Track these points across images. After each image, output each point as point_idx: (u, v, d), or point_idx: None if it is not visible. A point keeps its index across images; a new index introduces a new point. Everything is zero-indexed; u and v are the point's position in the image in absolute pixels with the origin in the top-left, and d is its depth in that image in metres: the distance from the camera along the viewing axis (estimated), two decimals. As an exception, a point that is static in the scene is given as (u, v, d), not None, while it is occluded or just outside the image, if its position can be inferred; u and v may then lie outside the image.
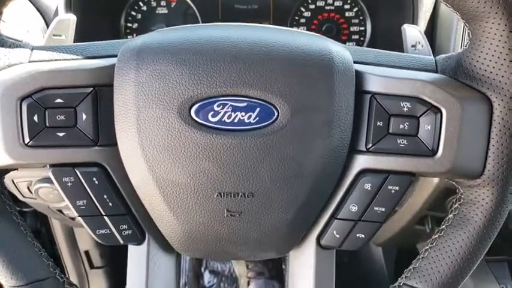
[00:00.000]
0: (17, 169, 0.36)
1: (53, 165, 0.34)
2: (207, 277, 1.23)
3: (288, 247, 0.37)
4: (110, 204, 0.35)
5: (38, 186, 0.64)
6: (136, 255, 0.38)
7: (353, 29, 0.72)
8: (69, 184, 0.34)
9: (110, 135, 0.34)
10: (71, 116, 0.33)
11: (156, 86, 0.32)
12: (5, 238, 0.36)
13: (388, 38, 0.68)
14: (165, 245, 0.38)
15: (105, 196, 0.35)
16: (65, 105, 0.33)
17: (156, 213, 0.35)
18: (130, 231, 0.36)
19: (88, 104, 0.33)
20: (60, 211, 0.77)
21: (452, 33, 0.54)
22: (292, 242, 0.37)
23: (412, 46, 0.41)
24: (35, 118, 0.33)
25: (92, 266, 1.05)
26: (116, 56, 0.34)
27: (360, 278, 0.99)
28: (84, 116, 0.33)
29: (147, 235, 0.37)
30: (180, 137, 0.33)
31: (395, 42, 0.48)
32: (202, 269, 1.21)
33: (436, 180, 0.61)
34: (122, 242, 0.37)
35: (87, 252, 1.05)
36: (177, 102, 0.32)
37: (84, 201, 0.35)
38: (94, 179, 0.35)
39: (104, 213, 0.36)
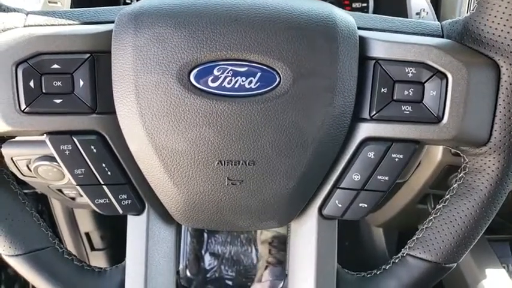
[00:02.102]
0: (13, 137, 0.36)
1: (50, 133, 0.34)
2: (207, 259, 1.24)
3: (289, 217, 0.37)
4: (109, 173, 0.35)
5: (37, 164, 0.63)
6: (135, 225, 0.37)
7: (355, 5, 0.71)
8: (67, 152, 0.34)
9: (108, 102, 0.33)
10: (67, 82, 0.33)
11: (154, 51, 0.32)
12: (3, 207, 0.35)
13: (392, 15, 0.67)
14: (164, 216, 0.37)
15: (103, 165, 0.34)
16: (62, 71, 0.32)
17: (156, 182, 0.35)
18: (129, 201, 0.36)
19: (85, 70, 0.33)
20: (60, 191, 0.76)
21: (457, 2, 0.53)
22: (294, 212, 0.36)
23: (417, 14, 0.40)
24: (31, 84, 0.32)
25: (92, 248, 1.05)
26: (112, 22, 0.33)
27: (361, 261, 0.99)
28: (81, 83, 0.33)
29: (146, 205, 0.37)
30: (179, 103, 0.32)
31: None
32: (203, 252, 1.22)
33: (439, 157, 0.60)
34: (121, 211, 0.36)
35: (87, 234, 1.05)
36: (176, 66, 0.32)
37: (83, 169, 0.34)
38: (92, 147, 0.34)
39: (102, 182, 0.35)
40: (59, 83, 0.33)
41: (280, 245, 1.12)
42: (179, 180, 0.34)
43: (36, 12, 0.35)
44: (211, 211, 0.36)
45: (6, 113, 0.33)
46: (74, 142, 0.34)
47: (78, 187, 0.35)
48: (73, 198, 0.81)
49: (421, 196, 0.65)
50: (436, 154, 0.59)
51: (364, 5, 0.71)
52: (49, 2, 0.39)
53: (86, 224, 1.02)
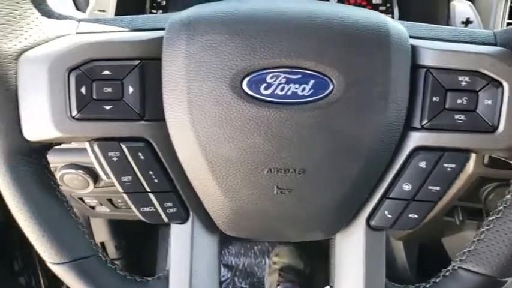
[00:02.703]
0: (59, 144, 0.35)
1: (98, 139, 0.33)
2: (221, 271, 1.23)
3: (336, 228, 0.36)
4: (156, 180, 0.34)
5: (63, 172, 0.63)
6: (179, 234, 0.37)
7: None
8: (115, 159, 0.33)
9: (156, 109, 0.33)
10: (118, 89, 0.32)
11: (207, 58, 0.31)
12: (51, 214, 0.35)
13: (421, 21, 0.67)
14: (208, 224, 0.37)
15: (150, 172, 0.34)
16: (112, 77, 0.32)
17: (203, 189, 0.34)
18: (175, 209, 0.35)
19: (135, 76, 0.32)
20: (81, 199, 0.76)
21: (492, 11, 0.52)
22: (341, 222, 0.36)
23: (462, 23, 0.40)
24: (83, 90, 0.32)
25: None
26: (162, 29, 0.33)
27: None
28: (131, 89, 0.33)
29: (191, 214, 0.36)
30: (231, 110, 0.32)
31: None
32: (217, 263, 1.20)
33: (470, 168, 0.60)
34: (166, 220, 0.36)
35: (102, 244, 1.04)
36: (228, 74, 0.31)
37: (130, 177, 0.34)
38: (140, 154, 0.34)
39: (149, 190, 0.34)
40: (109, 89, 0.32)
41: (289, 274, 1.11)
42: (227, 188, 0.34)
43: (87, 19, 0.35)
44: (258, 220, 0.35)
45: (57, 119, 0.32)
46: (122, 149, 0.33)
47: (124, 195, 0.35)
48: (93, 207, 0.80)
49: (449, 208, 0.64)
50: (468, 165, 0.58)
51: (390, 16, 0.71)
52: (95, 10, 0.39)
53: (101, 233, 1.01)
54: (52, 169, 0.63)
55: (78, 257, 0.35)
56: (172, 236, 0.37)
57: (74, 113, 0.32)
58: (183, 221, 0.36)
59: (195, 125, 0.32)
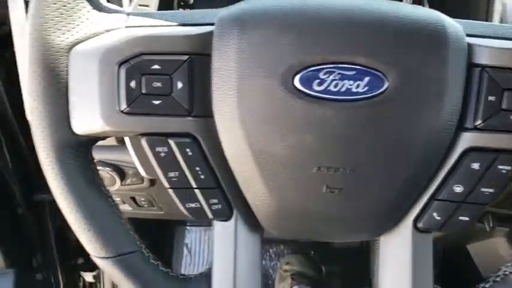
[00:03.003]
0: (104, 138, 0.35)
1: (145, 134, 0.33)
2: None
3: (382, 229, 0.35)
4: (202, 176, 0.34)
5: (90, 168, 0.63)
6: (222, 232, 0.36)
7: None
8: (162, 154, 0.33)
9: (203, 105, 0.33)
10: (167, 84, 0.32)
11: (258, 53, 0.31)
12: (96, 209, 0.34)
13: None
14: (251, 223, 0.36)
15: (197, 168, 0.34)
16: (162, 72, 0.32)
17: (249, 187, 0.34)
18: (220, 206, 0.35)
19: (184, 72, 0.32)
20: (106, 197, 0.76)
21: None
22: (388, 223, 0.35)
23: None
24: (132, 84, 0.32)
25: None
26: (210, 24, 0.33)
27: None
28: (179, 85, 0.32)
29: (234, 211, 0.36)
30: (282, 107, 0.31)
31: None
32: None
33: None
34: (210, 216, 0.35)
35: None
36: (281, 69, 0.31)
37: (176, 172, 0.34)
38: (187, 149, 0.33)
39: (194, 186, 0.34)
40: (159, 84, 0.32)
41: (301, 278, 1.10)
42: (274, 186, 0.33)
43: (136, 13, 0.35)
44: (304, 219, 0.35)
45: (106, 113, 0.32)
46: (170, 145, 0.33)
47: (170, 190, 0.35)
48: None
49: (481, 214, 0.63)
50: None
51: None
52: (139, 5, 0.39)
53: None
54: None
55: (123, 252, 0.35)
56: (216, 234, 0.36)
57: (123, 107, 0.32)
58: (227, 218, 0.36)
59: (244, 121, 0.32)
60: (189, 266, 1.12)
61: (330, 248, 1.09)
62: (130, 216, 0.89)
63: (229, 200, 0.35)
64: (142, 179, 0.64)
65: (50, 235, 1.01)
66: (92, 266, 1.11)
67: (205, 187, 0.34)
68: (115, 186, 0.64)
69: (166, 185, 0.34)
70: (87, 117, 0.33)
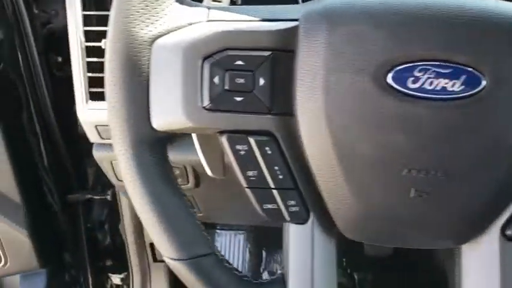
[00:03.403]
0: (184, 135, 0.34)
1: (226, 132, 0.32)
2: (265, 277, 1.21)
3: (468, 236, 0.34)
4: (280, 176, 0.33)
5: (136, 168, 0.62)
6: (299, 236, 0.35)
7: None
8: (242, 153, 0.32)
9: (283, 103, 0.32)
10: (249, 80, 0.31)
11: (350, 49, 0.30)
12: (172, 208, 0.33)
13: None
14: (328, 227, 0.35)
15: (276, 167, 0.33)
16: (245, 68, 0.31)
17: (330, 189, 0.33)
18: (297, 208, 0.34)
19: (266, 68, 0.31)
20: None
21: None
22: (475, 230, 0.33)
23: None
24: (216, 80, 0.31)
25: (155, 259, 1.03)
26: (294, 20, 0.32)
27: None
28: (261, 81, 0.31)
29: (311, 214, 0.35)
30: (373, 104, 0.30)
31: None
32: (261, 269, 1.18)
33: None
34: (288, 219, 0.34)
35: (152, 245, 1.03)
36: (373, 66, 0.29)
37: (255, 171, 0.33)
38: (267, 148, 0.32)
39: (272, 186, 0.33)
40: (242, 81, 0.31)
41: None
42: (359, 188, 0.32)
43: (217, 7, 0.34)
44: (387, 224, 0.33)
45: (189, 109, 0.31)
46: (250, 143, 0.32)
47: (247, 190, 0.34)
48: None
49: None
50: None
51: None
52: (213, 0, 0.38)
53: (152, 234, 1.00)
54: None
55: (197, 255, 0.34)
56: (291, 238, 0.35)
57: (206, 103, 0.31)
58: (304, 221, 0.35)
59: (330, 120, 0.30)
60: (218, 270, 1.11)
61: (361, 255, 1.08)
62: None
63: (306, 202, 0.34)
64: (188, 179, 0.63)
65: (82, 235, 1.00)
66: (120, 269, 1.10)
67: (284, 188, 0.33)
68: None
69: (244, 184, 0.33)
70: (168, 113, 0.32)
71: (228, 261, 0.36)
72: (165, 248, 0.34)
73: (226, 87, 0.31)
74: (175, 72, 0.31)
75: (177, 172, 0.62)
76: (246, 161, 0.33)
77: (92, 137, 0.58)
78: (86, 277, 1.04)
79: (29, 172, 0.82)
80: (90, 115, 0.55)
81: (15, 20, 0.71)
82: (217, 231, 1.14)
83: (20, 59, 0.74)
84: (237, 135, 0.32)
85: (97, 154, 0.61)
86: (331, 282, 0.36)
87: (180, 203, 0.34)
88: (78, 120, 0.57)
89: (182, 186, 0.64)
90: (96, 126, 0.56)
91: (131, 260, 1.01)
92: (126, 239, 0.99)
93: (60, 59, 0.81)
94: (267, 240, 1.14)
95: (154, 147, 0.33)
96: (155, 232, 0.33)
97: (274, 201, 0.34)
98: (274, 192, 0.33)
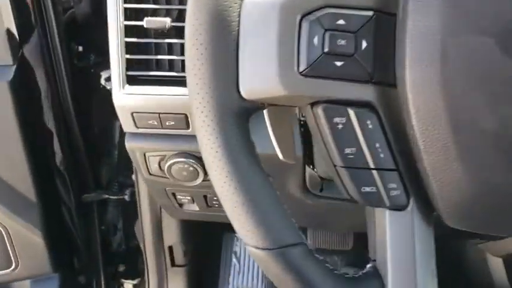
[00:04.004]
0: (273, 105, 0.30)
1: (323, 102, 0.28)
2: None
3: None
4: (381, 155, 0.29)
5: (173, 161, 0.57)
6: (398, 224, 0.31)
7: None
8: (340, 126, 0.29)
9: (385, 71, 0.28)
10: (351, 42, 0.28)
11: (474, 6, 0.26)
12: (258, 190, 0.30)
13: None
14: (426, 214, 0.31)
15: (377, 145, 0.29)
16: (346, 28, 0.28)
17: (438, 169, 0.28)
18: (398, 192, 0.30)
19: (369, 30, 0.28)
20: (174, 195, 0.70)
21: None
22: None
23: None
24: (315, 41, 0.28)
25: (173, 264, 0.98)
26: None
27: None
28: (364, 44, 0.28)
29: (411, 199, 0.30)
30: (499, 71, 0.26)
31: None
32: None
33: None
34: (387, 204, 0.30)
35: (170, 248, 0.98)
36: (499, 26, 0.26)
37: (353, 149, 0.29)
38: (368, 122, 0.29)
39: (372, 166, 0.30)
40: (343, 42, 0.28)
41: None
42: (474, 167, 0.28)
43: None
44: (503, 208, 0.29)
45: (284, 73, 0.28)
46: (349, 115, 0.29)
47: (343, 169, 0.29)
48: (180, 205, 0.75)
49: None
50: None
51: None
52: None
53: (171, 236, 0.95)
54: (159, 158, 0.58)
55: (286, 244, 0.30)
56: (389, 227, 0.31)
57: (303, 67, 0.28)
58: (403, 207, 0.31)
59: (446, 90, 0.27)
60: (237, 276, 1.06)
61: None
62: (194, 218, 0.84)
63: (406, 185, 0.30)
64: (226, 173, 0.59)
65: (96, 238, 0.96)
66: (133, 274, 1.05)
67: (384, 168, 0.30)
68: (196, 181, 0.59)
69: (340, 163, 0.29)
70: (259, 78, 0.28)
71: (317, 253, 0.32)
72: (251, 236, 0.30)
73: (326, 49, 0.28)
74: (269, 31, 0.28)
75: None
76: (344, 136, 0.29)
77: (127, 125, 0.53)
78: (98, 283, 0.99)
79: (45, 169, 0.77)
80: (127, 100, 0.51)
81: (37, 3, 0.66)
82: (237, 235, 1.09)
83: (41, 47, 0.69)
84: (335, 105, 0.29)
85: (130, 145, 0.56)
86: (433, 276, 0.32)
87: (267, 186, 0.30)
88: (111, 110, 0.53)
89: None
90: (132, 113, 0.51)
91: (148, 264, 0.97)
92: (144, 241, 0.94)
93: (80, 49, 0.76)
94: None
95: (240, 119, 0.29)
96: (239, 217, 0.29)
97: (374, 184, 0.30)
98: (374, 172, 0.30)
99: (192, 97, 0.28)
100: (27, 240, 0.79)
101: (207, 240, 1.08)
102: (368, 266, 0.33)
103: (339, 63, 0.28)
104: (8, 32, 0.63)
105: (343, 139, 0.29)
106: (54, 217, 0.82)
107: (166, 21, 0.47)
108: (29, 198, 0.76)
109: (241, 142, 0.29)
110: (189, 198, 0.69)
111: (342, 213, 0.61)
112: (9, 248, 0.79)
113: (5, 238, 0.78)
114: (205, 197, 0.68)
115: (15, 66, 0.65)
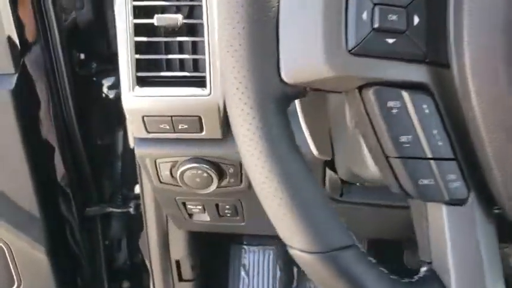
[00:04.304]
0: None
1: (374, 84, 0.26)
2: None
3: None
4: (439, 143, 0.27)
5: (184, 168, 0.54)
6: (459, 221, 0.28)
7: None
8: (395, 111, 0.26)
9: (438, 50, 0.26)
10: (402, 17, 0.26)
11: None
12: (305, 188, 0.27)
13: None
14: (486, 207, 0.29)
15: (434, 131, 0.27)
16: (397, 2, 0.26)
17: (501, 158, 0.26)
18: (457, 184, 0.28)
19: (420, 4, 0.26)
20: (184, 204, 0.67)
21: None
22: None
23: None
24: (364, 15, 0.25)
25: (180, 279, 0.95)
26: None
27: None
28: (416, 20, 0.26)
29: (471, 193, 0.28)
30: None
31: None
32: (293, 287, 1.10)
33: None
34: (447, 198, 0.28)
35: (177, 262, 0.95)
36: None
37: (409, 136, 0.27)
38: (424, 106, 0.26)
39: (430, 156, 0.27)
40: (394, 17, 0.25)
41: None
42: None
43: None
44: None
45: (331, 52, 0.25)
46: (403, 98, 0.26)
47: (397, 160, 0.27)
48: (190, 215, 0.72)
49: None
50: None
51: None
52: None
53: (178, 249, 0.92)
54: (171, 165, 0.56)
55: (337, 247, 0.28)
56: (448, 224, 0.28)
57: (352, 44, 0.25)
58: (462, 201, 0.28)
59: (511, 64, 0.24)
60: (246, 290, 1.02)
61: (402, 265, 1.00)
62: (203, 230, 0.81)
63: (465, 176, 0.28)
64: (241, 179, 0.56)
65: (100, 254, 0.92)
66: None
67: (443, 158, 0.27)
68: (210, 188, 0.56)
69: (395, 153, 0.27)
70: (303, 59, 0.26)
71: (370, 254, 0.29)
72: (298, 238, 0.27)
73: (376, 25, 0.25)
74: (314, 5, 0.26)
75: (231, 170, 0.54)
76: (399, 123, 0.27)
77: (137, 130, 0.51)
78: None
79: (47, 182, 0.74)
80: (137, 103, 0.48)
81: (39, 9, 0.64)
82: (245, 247, 1.06)
83: (43, 55, 0.67)
84: (388, 88, 0.26)
85: (140, 151, 0.53)
86: (500, 276, 0.29)
87: (313, 181, 0.27)
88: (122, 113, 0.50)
89: (234, 189, 0.58)
90: (143, 116, 0.49)
91: (154, 280, 0.93)
92: (150, 256, 0.90)
93: (82, 56, 0.74)
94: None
95: (281, 106, 0.26)
96: (284, 217, 0.27)
97: (432, 175, 0.27)
98: (432, 163, 0.27)
99: (229, 82, 0.26)
100: (30, 257, 0.76)
101: (215, 253, 1.05)
102: (423, 269, 0.30)
103: (390, 41, 0.26)
104: (9, 39, 0.61)
105: (398, 126, 0.27)
106: (58, 232, 0.79)
107: (178, 18, 0.45)
108: (32, 213, 0.73)
109: (283, 133, 0.27)
110: (200, 207, 0.67)
111: (360, 219, 0.59)
112: (11, 266, 0.76)
113: (7, 255, 0.74)
114: (217, 205, 0.65)
115: (17, 75, 0.63)
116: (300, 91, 0.27)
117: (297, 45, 0.26)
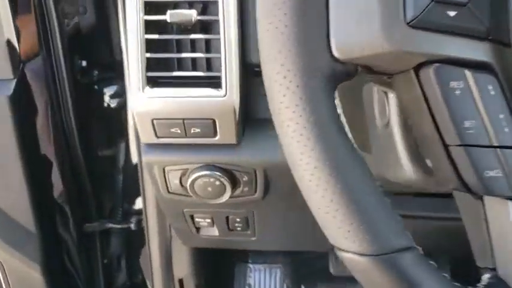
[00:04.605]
0: (367, 69, 0.25)
1: (434, 61, 0.24)
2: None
3: None
4: (506, 129, 0.24)
5: (195, 175, 0.51)
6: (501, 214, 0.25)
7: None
8: (458, 92, 0.23)
9: (501, 28, 0.24)
10: None
11: None
12: (356, 179, 0.24)
13: None
14: None
15: (501, 116, 0.24)
16: None
17: None
18: None
19: None
20: (192, 217, 0.64)
21: None
22: None
23: None
24: None
25: (184, 299, 0.90)
26: None
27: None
28: None
29: None
30: None
31: None
32: None
33: None
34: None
35: (181, 282, 0.90)
36: None
37: (473, 121, 0.24)
38: (490, 87, 0.24)
39: (496, 144, 0.24)
40: None
41: None
42: None
43: None
44: None
45: (388, 23, 0.23)
46: (466, 78, 0.24)
47: (460, 149, 0.24)
48: (198, 229, 0.68)
49: None
50: None
51: None
52: None
53: (182, 267, 0.87)
54: (180, 173, 0.52)
55: (396, 249, 0.25)
56: (490, 217, 0.25)
57: (410, 15, 0.23)
58: None
59: None
60: (252, 309, 0.98)
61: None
62: (209, 246, 0.77)
63: None
64: (255, 188, 0.53)
65: (99, 271, 0.88)
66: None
67: (510, 146, 0.24)
68: (223, 198, 0.53)
69: (457, 141, 0.24)
70: (357, 32, 0.23)
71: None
72: (352, 239, 0.24)
73: None
74: None
75: (245, 178, 0.51)
76: (463, 106, 0.24)
77: (145, 135, 0.47)
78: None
79: (46, 197, 0.70)
80: (147, 105, 0.45)
81: (40, 13, 0.62)
82: (250, 265, 1.01)
83: (44, 61, 0.64)
84: (450, 66, 0.24)
85: (147, 158, 0.50)
86: None
87: (368, 173, 0.24)
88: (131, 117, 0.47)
89: (248, 198, 0.54)
90: (152, 120, 0.46)
91: (156, 300, 0.88)
92: (152, 275, 0.86)
93: (84, 63, 0.71)
94: (305, 273, 1.03)
95: (330, 86, 0.23)
96: (335, 214, 0.23)
97: (499, 166, 0.24)
98: (499, 152, 0.24)
99: (271, 58, 0.23)
100: (24, 276, 0.72)
101: (219, 272, 1.00)
102: (486, 276, 0.27)
103: (451, 13, 0.23)
104: (9, 43, 0.58)
105: (461, 109, 0.24)
106: (54, 250, 0.75)
107: (192, 14, 0.42)
108: (28, 229, 0.69)
109: (333, 116, 0.24)
110: (208, 221, 0.63)
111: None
112: (3, 286, 0.71)
113: (0, 274, 0.70)
114: (227, 218, 0.62)
115: (15, 81, 0.59)
116: (349, 70, 0.24)
117: (349, 16, 0.23)
